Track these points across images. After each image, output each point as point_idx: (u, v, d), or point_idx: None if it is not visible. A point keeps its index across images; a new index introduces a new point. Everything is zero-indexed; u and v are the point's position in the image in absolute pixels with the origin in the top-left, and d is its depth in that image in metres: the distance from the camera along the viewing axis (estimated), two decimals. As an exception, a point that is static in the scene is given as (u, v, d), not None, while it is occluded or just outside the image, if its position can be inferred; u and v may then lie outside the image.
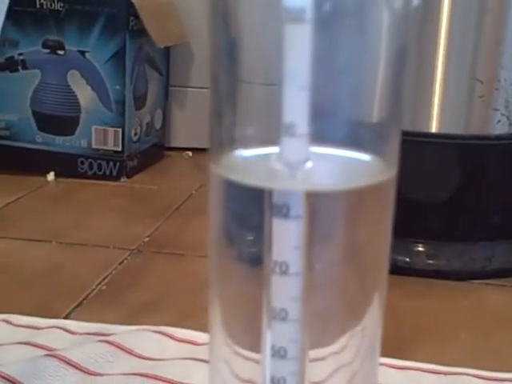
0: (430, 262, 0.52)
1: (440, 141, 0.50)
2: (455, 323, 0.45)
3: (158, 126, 0.85)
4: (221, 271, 0.22)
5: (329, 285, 0.20)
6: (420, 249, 0.52)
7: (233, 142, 0.21)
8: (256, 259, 0.20)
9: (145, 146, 0.80)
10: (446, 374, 0.37)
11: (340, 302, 0.21)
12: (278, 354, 0.20)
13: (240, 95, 0.20)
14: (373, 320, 0.22)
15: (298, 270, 0.19)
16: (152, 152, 0.82)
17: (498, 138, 0.49)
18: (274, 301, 0.20)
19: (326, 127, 0.19)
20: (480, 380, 0.36)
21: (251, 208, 0.20)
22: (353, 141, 0.20)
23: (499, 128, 0.49)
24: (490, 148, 0.50)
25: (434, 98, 0.50)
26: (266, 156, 0.20)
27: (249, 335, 0.21)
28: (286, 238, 0.19)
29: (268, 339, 0.20)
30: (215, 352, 0.22)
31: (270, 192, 0.19)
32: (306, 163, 0.19)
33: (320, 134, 0.19)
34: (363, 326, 0.21)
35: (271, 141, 0.19)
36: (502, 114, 0.49)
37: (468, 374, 0.37)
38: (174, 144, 0.88)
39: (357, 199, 0.20)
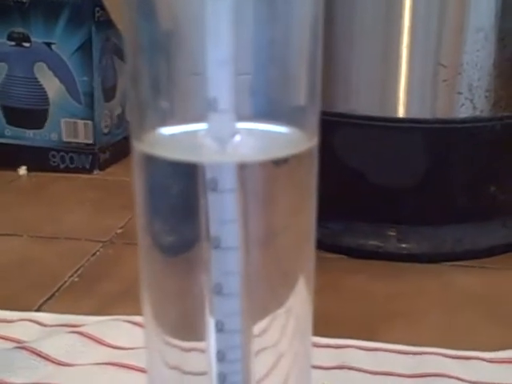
0: (401, 245, 0.53)
1: (407, 125, 0.51)
2: (425, 304, 0.45)
3: (128, 117, 0.84)
4: (149, 257, 0.22)
5: (254, 261, 0.21)
6: (390, 233, 0.53)
7: (156, 120, 0.21)
8: (185, 239, 0.20)
9: (117, 139, 0.80)
10: (414, 354, 0.38)
11: (262, 281, 0.21)
12: (217, 327, 0.20)
13: (161, 71, 0.20)
14: (299, 301, 0.22)
15: (233, 244, 0.20)
16: (124, 144, 0.82)
17: (463, 121, 0.50)
18: (209, 276, 0.20)
19: (249, 102, 0.20)
20: (448, 359, 0.37)
21: (180, 186, 0.20)
22: (274, 115, 0.20)
23: (463, 111, 0.50)
24: (455, 132, 0.51)
25: (399, 83, 0.50)
26: (193, 133, 0.20)
27: (178, 323, 0.22)
28: (218, 213, 0.19)
29: (207, 314, 0.20)
30: (148, 340, 0.22)
31: (200, 166, 0.19)
32: (233, 137, 0.19)
33: (243, 110, 0.19)
34: (288, 307, 0.21)
35: (197, 118, 0.19)
36: (466, 98, 0.50)
37: (436, 354, 0.38)
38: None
39: (284, 169, 0.20)
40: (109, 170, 0.76)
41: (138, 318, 0.40)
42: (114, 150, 0.79)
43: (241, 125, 0.20)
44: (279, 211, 0.21)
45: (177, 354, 0.21)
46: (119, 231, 0.58)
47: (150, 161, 0.20)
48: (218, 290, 0.20)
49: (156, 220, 0.21)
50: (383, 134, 0.52)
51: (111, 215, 0.61)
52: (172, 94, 0.20)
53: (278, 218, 0.21)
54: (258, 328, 0.21)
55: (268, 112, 0.20)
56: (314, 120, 0.21)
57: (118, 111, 0.81)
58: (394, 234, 0.53)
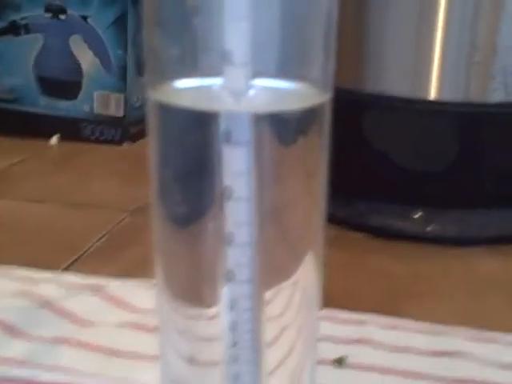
0: (427, 227, 0.53)
1: (438, 108, 0.51)
2: (448, 287, 0.45)
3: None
4: (161, 213, 0.22)
5: (270, 215, 0.21)
6: (417, 215, 0.53)
7: (172, 72, 0.21)
8: (198, 190, 0.20)
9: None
10: (435, 332, 0.38)
11: (271, 247, 0.21)
12: (227, 277, 0.20)
13: (177, 21, 0.20)
14: (307, 274, 0.22)
15: (246, 195, 0.20)
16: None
17: (495, 105, 0.50)
18: (221, 226, 0.20)
19: (264, 58, 0.20)
20: (467, 339, 0.37)
21: (194, 137, 0.20)
22: (289, 71, 0.21)
23: (496, 96, 0.50)
24: (487, 116, 0.51)
25: (432, 65, 0.50)
26: (208, 86, 0.20)
27: (189, 291, 0.22)
28: (232, 164, 0.20)
29: (219, 265, 0.20)
30: (160, 307, 0.23)
31: (215, 117, 0.19)
32: (248, 91, 0.19)
33: (258, 65, 0.19)
34: (294, 280, 0.22)
35: (213, 73, 0.19)
36: (499, 82, 0.49)
37: (457, 334, 0.38)
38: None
39: (297, 124, 0.20)
40: (139, 142, 0.76)
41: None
42: (144, 123, 0.79)
43: (256, 81, 0.20)
44: (291, 170, 0.21)
45: (186, 320, 0.22)
46: (146, 202, 0.58)
47: (165, 110, 0.20)
48: (230, 240, 0.20)
49: (169, 172, 0.21)
50: (414, 116, 0.51)
51: (139, 187, 0.61)
52: (188, 46, 0.20)
53: (290, 178, 0.21)
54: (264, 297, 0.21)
55: (283, 68, 0.20)
56: (328, 76, 0.21)
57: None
58: (420, 215, 0.53)
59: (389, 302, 0.43)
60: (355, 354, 0.35)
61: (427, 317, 0.40)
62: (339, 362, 0.34)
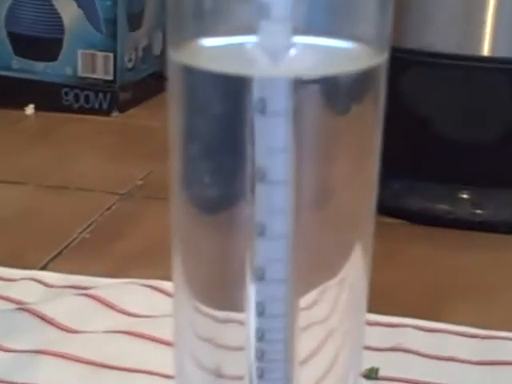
0: (475, 211, 0.53)
1: (492, 65, 0.50)
2: (500, 281, 0.46)
3: (157, 51, 0.85)
4: (183, 200, 0.22)
5: (311, 204, 0.21)
6: (464, 196, 0.53)
7: (198, 28, 0.21)
8: (227, 171, 0.21)
9: (141, 75, 0.81)
10: (484, 337, 0.38)
11: (309, 245, 0.21)
12: (256, 275, 0.21)
13: None
14: (354, 271, 0.22)
15: (282, 177, 0.20)
16: (150, 82, 0.82)
17: None
18: (253, 215, 0.20)
19: (307, 13, 0.20)
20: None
21: (223, 106, 0.20)
22: (336, 27, 0.21)
23: None
24: None
25: (486, 15, 0.50)
26: (241, 45, 0.20)
27: (214, 290, 0.22)
28: (266, 139, 0.20)
29: (248, 260, 0.21)
30: (178, 309, 0.23)
31: (247, 82, 0.20)
32: (288, 51, 0.20)
33: (300, 22, 0.20)
34: (341, 278, 0.22)
35: (246, 29, 0.20)
36: None
37: (510, 339, 0.38)
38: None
39: (348, 89, 0.21)
40: (130, 112, 0.76)
41: (157, 282, 0.41)
42: (137, 88, 0.79)
43: (297, 39, 0.20)
44: (339, 147, 0.21)
45: (210, 325, 0.22)
46: (139, 183, 0.58)
47: (189, 74, 0.21)
48: (261, 231, 0.20)
49: (194, 147, 0.21)
50: (462, 75, 0.51)
51: (131, 165, 0.62)
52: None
53: (338, 156, 0.21)
54: (305, 301, 0.21)
55: (329, 24, 0.21)
56: (384, 33, 0.21)
57: (145, 43, 0.81)
58: (467, 197, 0.53)
59: (429, 301, 0.43)
60: (388, 364, 0.35)
61: (475, 319, 0.40)
62: (369, 374, 0.35)
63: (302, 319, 0.21)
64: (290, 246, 0.20)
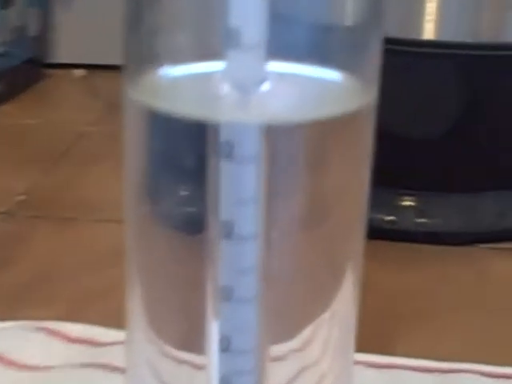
0: (421, 220, 0.53)
1: (437, 51, 0.51)
2: (455, 303, 0.46)
3: (33, 32, 0.83)
4: (143, 241, 0.22)
5: (287, 253, 0.22)
6: (407, 203, 0.53)
7: (158, 56, 0.21)
8: (193, 220, 0.21)
9: (14, 63, 0.79)
10: (442, 371, 0.39)
11: (301, 278, 0.22)
12: (221, 346, 0.21)
13: None
14: (345, 304, 0.23)
15: (250, 231, 0.20)
16: (25, 71, 0.80)
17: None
18: (217, 275, 0.21)
19: (285, 36, 0.20)
20: (486, 378, 0.38)
21: (187, 149, 0.21)
22: (320, 54, 0.21)
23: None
24: (504, 62, 0.51)
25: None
26: (206, 75, 0.21)
27: (181, 329, 0.23)
28: (233, 188, 0.20)
29: (212, 327, 0.21)
30: (134, 353, 0.23)
31: (215, 125, 0.20)
32: (261, 85, 0.20)
33: (277, 47, 0.20)
34: (332, 312, 0.22)
35: (212, 55, 0.20)
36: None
37: (471, 371, 0.38)
38: (58, 59, 0.87)
39: (328, 132, 0.21)
40: (2, 108, 0.75)
41: (53, 324, 0.40)
42: (9, 78, 0.77)
43: (273, 65, 0.20)
44: (319, 190, 0.22)
45: (172, 367, 0.23)
46: (21, 198, 0.57)
47: (147, 113, 0.21)
48: (227, 295, 0.21)
49: (153, 191, 0.22)
50: (402, 62, 0.51)
51: (7, 175, 0.60)
52: (180, 21, 0.21)
53: (318, 198, 0.22)
54: (298, 341, 0.22)
55: (310, 49, 0.21)
56: (373, 61, 0.22)
57: (18, 23, 0.78)
58: (411, 204, 0.53)
59: (374, 330, 0.43)
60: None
61: (428, 348, 0.41)
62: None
63: (293, 363, 0.22)
64: (259, 308, 0.21)
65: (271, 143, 0.20)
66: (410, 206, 0.53)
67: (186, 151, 0.21)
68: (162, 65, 0.21)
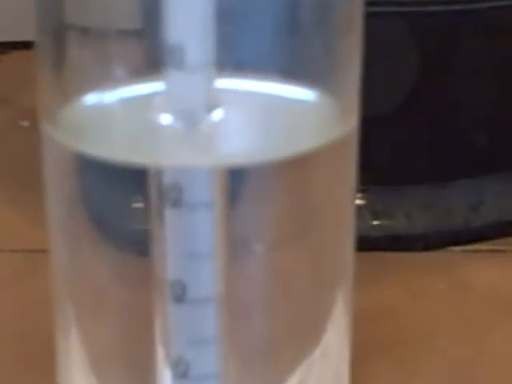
0: (378, 222, 0.50)
1: (386, 9, 0.48)
2: (428, 325, 0.43)
3: None
4: (80, 267, 0.22)
5: (256, 315, 0.21)
6: (359, 201, 0.50)
7: (81, 79, 0.21)
8: (136, 277, 0.21)
9: None
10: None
11: (281, 321, 0.22)
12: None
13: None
14: (337, 338, 0.23)
15: (202, 293, 0.20)
16: None
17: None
18: (167, 345, 0.21)
19: (240, 45, 0.20)
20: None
21: (122, 196, 0.20)
22: (285, 67, 0.21)
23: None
24: (463, 17, 0.48)
25: None
26: (143, 102, 0.20)
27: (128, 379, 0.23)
28: (182, 242, 0.20)
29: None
30: None
31: (156, 170, 0.20)
32: (211, 114, 0.19)
33: (231, 59, 0.19)
34: (323, 349, 0.23)
35: (148, 73, 0.20)
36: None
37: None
38: None
39: (297, 171, 0.21)
40: None
41: None
42: None
43: (224, 84, 0.20)
44: (290, 237, 0.21)
45: None
46: None
47: (71, 156, 0.21)
48: (182, 371, 0.20)
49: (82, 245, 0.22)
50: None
51: None
52: (111, 35, 0.20)
53: (292, 246, 0.21)
54: None
55: (272, 60, 0.20)
56: (353, 72, 0.21)
57: None
58: (362, 203, 0.50)
59: None
60: None
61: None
62: None
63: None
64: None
65: (228, 186, 0.20)
66: (361, 206, 0.49)
67: (122, 199, 0.21)
68: (86, 90, 0.21)
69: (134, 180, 0.20)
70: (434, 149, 0.50)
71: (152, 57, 0.19)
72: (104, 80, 0.20)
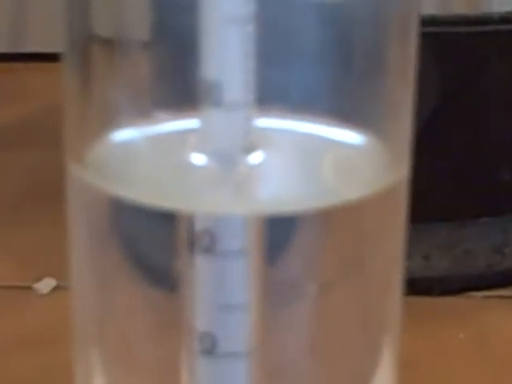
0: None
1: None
2: (445, 377, 0.41)
3: None
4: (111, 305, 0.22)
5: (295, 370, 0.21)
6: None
7: (111, 114, 0.21)
8: (166, 323, 0.21)
9: None
10: None
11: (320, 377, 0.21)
12: None
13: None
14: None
15: (235, 348, 0.20)
16: None
17: (504, 19, 0.46)
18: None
19: (290, 85, 0.19)
20: None
21: (151, 242, 0.20)
22: (335, 108, 0.20)
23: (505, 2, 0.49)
24: (489, 39, 0.47)
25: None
26: (175, 141, 0.21)
27: None
28: (215, 291, 0.20)
29: None
30: None
31: (188, 215, 0.20)
32: (249, 154, 0.19)
33: (277, 98, 0.19)
34: None
35: (183, 109, 0.20)
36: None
37: None
38: None
39: (342, 220, 0.20)
40: None
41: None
42: None
43: (263, 124, 0.19)
44: (333, 290, 0.21)
45: None
46: None
47: (100, 199, 0.21)
48: None
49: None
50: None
51: None
52: (144, 70, 0.20)
53: (334, 298, 0.21)
54: None
55: (317, 101, 0.20)
56: (404, 122, 0.21)
57: None
58: None
59: None
60: None
61: None
62: None
63: None
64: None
65: (265, 234, 0.19)
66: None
67: (151, 245, 0.20)
68: (117, 127, 0.20)
69: (164, 224, 0.20)
70: (455, 184, 0.49)
71: (188, 92, 0.19)
72: (136, 115, 0.20)
